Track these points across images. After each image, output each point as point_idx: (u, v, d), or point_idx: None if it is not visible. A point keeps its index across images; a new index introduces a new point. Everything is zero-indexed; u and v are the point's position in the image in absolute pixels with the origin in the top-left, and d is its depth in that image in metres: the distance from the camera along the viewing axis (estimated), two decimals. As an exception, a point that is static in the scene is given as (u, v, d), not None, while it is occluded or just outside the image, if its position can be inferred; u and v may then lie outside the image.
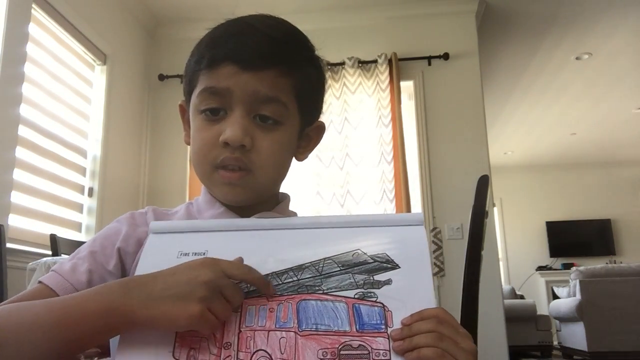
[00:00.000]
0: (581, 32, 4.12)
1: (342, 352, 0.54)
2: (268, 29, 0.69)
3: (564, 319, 5.00)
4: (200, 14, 3.60)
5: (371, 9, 3.72)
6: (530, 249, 7.75)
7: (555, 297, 5.68)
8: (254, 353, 0.54)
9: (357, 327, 0.55)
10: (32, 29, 2.61)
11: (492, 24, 3.92)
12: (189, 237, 0.66)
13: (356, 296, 0.57)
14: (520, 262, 7.68)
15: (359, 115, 3.54)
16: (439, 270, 3.29)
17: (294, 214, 0.80)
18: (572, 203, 7.78)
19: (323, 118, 0.80)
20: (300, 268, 0.60)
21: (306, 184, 3.43)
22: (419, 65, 3.61)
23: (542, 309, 6.14)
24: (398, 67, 3.55)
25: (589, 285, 4.53)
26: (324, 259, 0.61)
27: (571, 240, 7.64)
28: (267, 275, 0.60)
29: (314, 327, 0.55)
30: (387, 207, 3.34)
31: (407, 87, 3.65)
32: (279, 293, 0.58)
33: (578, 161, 7.74)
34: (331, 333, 0.55)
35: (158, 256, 0.64)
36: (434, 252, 3.32)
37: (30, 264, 1.77)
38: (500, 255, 4.60)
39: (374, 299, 0.57)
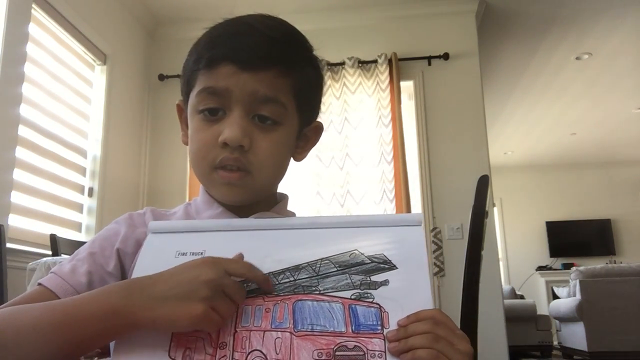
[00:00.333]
0: (581, 32, 4.12)
1: (337, 353, 0.53)
2: (267, 29, 0.69)
3: (564, 319, 5.00)
4: (200, 14, 3.60)
5: (371, 9, 3.71)
6: (530, 249, 7.75)
7: (555, 297, 5.68)
8: (249, 353, 0.54)
9: (353, 328, 0.55)
10: (32, 29, 2.61)
11: (492, 24, 3.92)
12: (187, 237, 0.67)
13: (353, 297, 0.57)
14: (520, 262, 7.68)
15: (359, 115, 3.54)
16: (439, 270, 3.29)
17: (293, 214, 0.80)
18: (572, 203, 7.78)
19: (323, 118, 0.81)
20: (297, 268, 0.60)
21: (306, 184, 3.43)
22: (419, 65, 3.61)
23: (542, 309, 6.14)
24: (398, 67, 3.55)
25: (589, 285, 4.53)
26: (321, 259, 0.61)
27: (571, 240, 7.64)
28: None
29: (310, 327, 0.55)
30: (387, 207, 3.34)
31: (407, 87, 3.64)
32: (275, 293, 0.58)
33: (578, 161, 7.74)
34: (327, 334, 0.55)
35: (156, 256, 0.65)
36: (434, 252, 3.31)
37: (30, 264, 1.76)
38: (500, 255, 4.59)
39: (371, 300, 0.57)
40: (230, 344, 0.55)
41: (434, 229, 3.36)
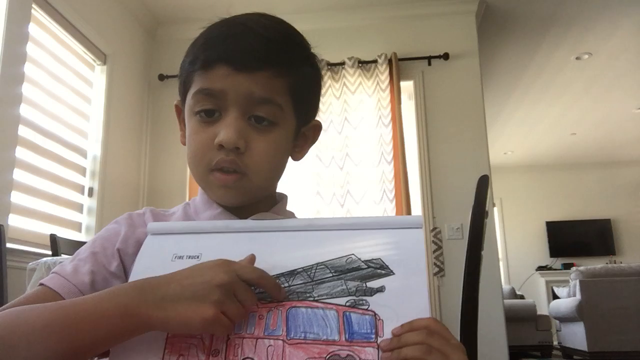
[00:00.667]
0: (581, 32, 4.11)
1: None
2: (263, 29, 0.69)
3: (564, 319, 5.00)
4: (200, 14, 3.60)
5: (371, 9, 3.71)
6: (530, 249, 7.75)
7: (555, 297, 5.68)
8: None
9: (347, 336, 0.54)
10: (32, 29, 2.61)
11: (492, 24, 3.92)
12: (184, 239, 0.66)
13: (347, 304, 0.56)
14: (520, 262, 7.68)
15: (359, 115, 3.54)
16: (439, 270, 3.29)
17: (292, 214, 0.80)
18: (572, 203, 7.78)
19: (323, 118, 0.81)
20: (292, 274, 0.60)
21: (306, 184, 3.43)
22: (419, 65, 3.61)
23: (542, 309, 6.14)
24: (398, 67, 3.55)
25: (589, 285, 4.53)
26: (317, 264, 0.60)
27: (571, 240, 7.64)
28: None
29: (303, 335, 0.55)
30: (387, 207, 3.34)
31: (407, 87, 3.64)
32: (269, 299, 0.58)
33: (578, 161, 7.74)
34: (319, 342, 0.54)
35: (153, 259, 0.65)
36: (434, 252, 3.31)
37: (30, 264, 1.76)
38: (500, 255, 4.60)
39: (366, 307, 0.56)
40: (223, 351, 0.55)
41: (434, 229, 3.36)
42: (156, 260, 0.64)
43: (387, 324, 0.55)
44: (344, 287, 0.58)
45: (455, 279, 3.16)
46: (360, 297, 0.57)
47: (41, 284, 0.65)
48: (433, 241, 3.33)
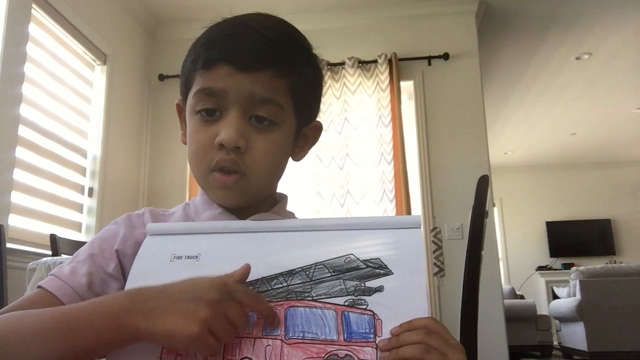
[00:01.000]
0: (581, 32, 4.11)
1: None
2: (264, 29, 0.69)
3: (564, 319, 5.00)
4: (200, 14, 3.60)
5: (371, 9, 3.71)
6: (530, 249, 7.75)
7: (555, 297, 5.68)
8: None
9: (345, 336, 0.54)
10: (32, 29, 2.61)
11: (492, 24, 3.92)
12: (183, 240, 0.66)
13: (346, 303, 0.56)
14: (520, 262, 7.68)
15: (359, 115, 3.54)
16: (439, 270, 3.29)
17: (292, 215, 0.80)
18: (572, 203, 7.78)
19: (323, 118, 0.80)
20: (291, 273, 0.59)
21: (306, 184, 3.43)
22: (419, 65, 3.61)
23: (542, 309, 6.14)
24: (398, 67, 3.55)
25: (589, 285, 4.53)
26: (315, 263, 0.60)
27: (571, 240, 7.64)
28: (257, 280, 0.59)
29: (301, 335, 0.55)
30: (387, 207, 3.34)
31: (407, 87, 3.64)
32: (268, 299, 0.57)
33: (578, 161, 7.74)
34: (318, 342, 0.54)
35: (151, 259, 0.65)
36: (434, 252, 3.31)
37: (30, 264, 1.76)
38: (500, 255, 4.59)
39: (364, 307, 0.56)
40: (221, 351, 0.55)
41: (434, 229, 3.36)
42: (155, 260, 0.64)
43: (386, 323, 0.54)
44: (343, 286, 0.57)
45: (455, 279, 3.17)
46: (359, 297, 0.56)
47: (39, 287, 0.65)
48: (433, 241, 3.33)
